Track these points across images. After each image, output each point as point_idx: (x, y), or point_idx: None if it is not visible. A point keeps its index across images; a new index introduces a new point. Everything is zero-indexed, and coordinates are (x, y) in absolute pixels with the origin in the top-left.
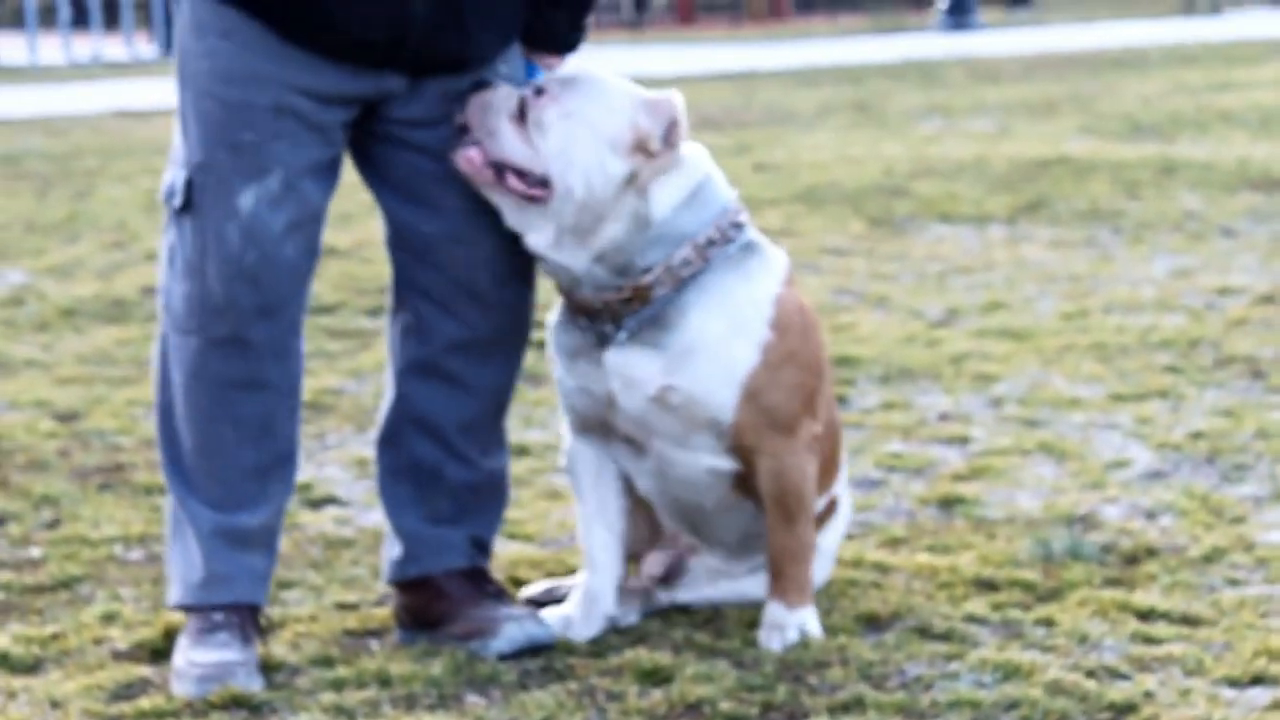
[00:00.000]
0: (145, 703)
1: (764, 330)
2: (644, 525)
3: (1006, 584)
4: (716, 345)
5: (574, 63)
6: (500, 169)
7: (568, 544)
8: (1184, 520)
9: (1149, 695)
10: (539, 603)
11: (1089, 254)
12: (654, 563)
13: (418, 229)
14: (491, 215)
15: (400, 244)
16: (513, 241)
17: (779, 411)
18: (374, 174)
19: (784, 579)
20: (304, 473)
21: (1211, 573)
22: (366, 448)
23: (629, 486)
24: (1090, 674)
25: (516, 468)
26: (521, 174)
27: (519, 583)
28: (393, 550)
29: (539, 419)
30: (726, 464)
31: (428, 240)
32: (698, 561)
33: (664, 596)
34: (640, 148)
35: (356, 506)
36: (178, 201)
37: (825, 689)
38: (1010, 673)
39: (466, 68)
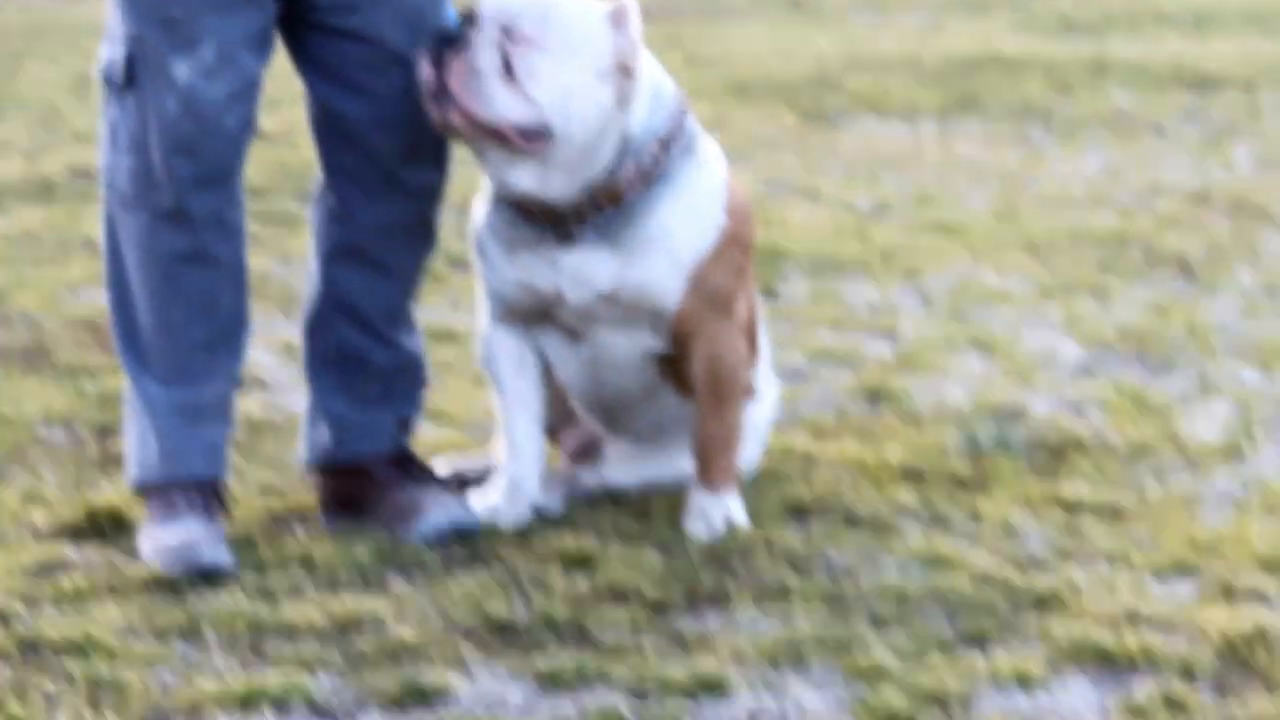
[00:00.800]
0: (66, 581)
1: (721, 216)
2: (560, 406)
3: (934, 475)
4: (677, 236)
5: None
6: (491, 127)
7: (491, 429)
8: (1111, 415)
9: (1074, 586)
10: (448, 480)
11: (1020, 151)
12: (570, 439)
13: (343, 113)
14: (415, 102)
15: (325, 127)
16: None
17: (720, 292)
18: (302, 57)
19: (710, 466)
20: None
21: (1138, 467)
22: (293, 332)
23: (547, 373)
24: (1016, 565)
25: (443, 353)
26: (520, 129)
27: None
28: (319, 435)
29: (466, 304)
30: (661, 346)
31: (353, 124)
32: (612, 447)
33: (588, 479)
34: (621, 68)
35: (282, 390)
36: (119, 78)
37: (751, 576)
38: (937, 563)
39: None
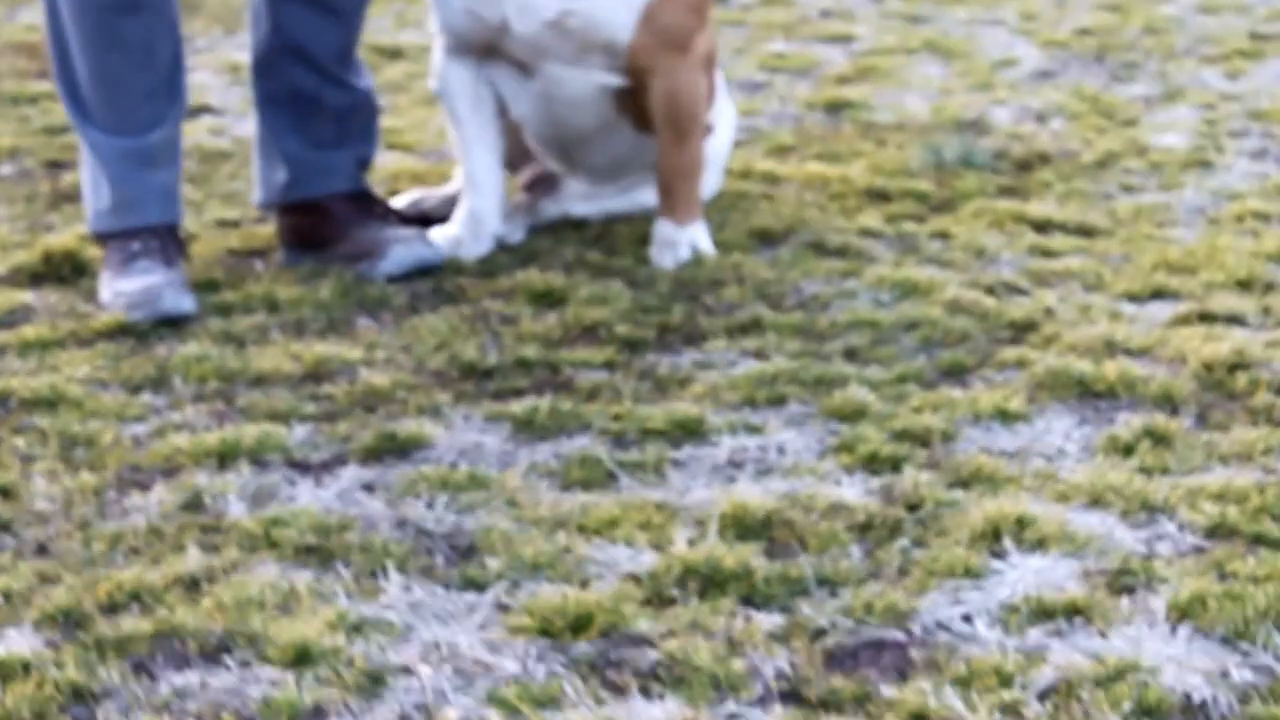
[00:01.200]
0: (29, 331)
1: None
2: (516, 142)
3: (899, 194)
4: None
5: None
6: None
7: (447, 155)
8: (1075, 123)
9: (1049, 312)
10: (408, 217)
11: None
12: (527, 174)
13: None
14: None
15: None
16: None
17: (675, 30)
18: None
19: (673, 196)
20: None
21: (1106, 179)
22: (237, 51)
23: (503, 108)
24: (989, 290)
25: (392, 72)
26: None
27: (396, 195)
28: (276, 174)
29: (412, 18)
30: (616, 81)
31: None
32: (571, 182)
33: (549, 209)
34: None
35: (231, 115)
36: None
37: (722, 309)
38: (908, 290)
39: None
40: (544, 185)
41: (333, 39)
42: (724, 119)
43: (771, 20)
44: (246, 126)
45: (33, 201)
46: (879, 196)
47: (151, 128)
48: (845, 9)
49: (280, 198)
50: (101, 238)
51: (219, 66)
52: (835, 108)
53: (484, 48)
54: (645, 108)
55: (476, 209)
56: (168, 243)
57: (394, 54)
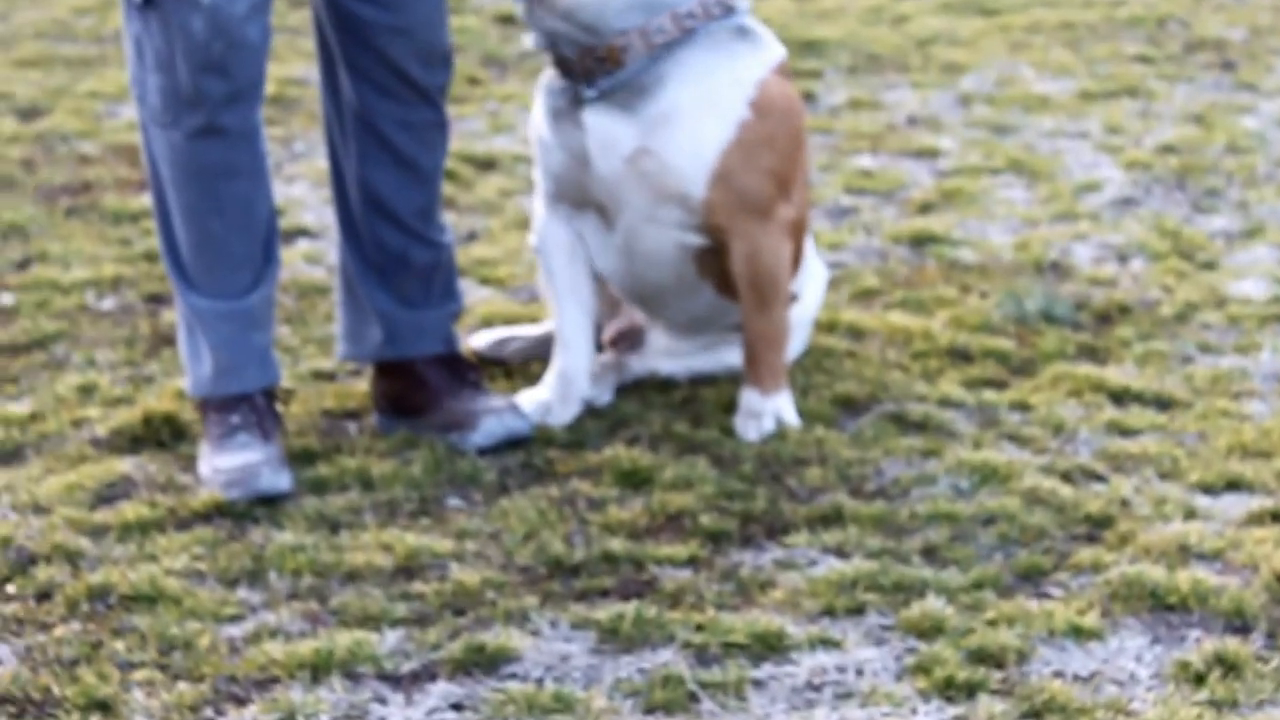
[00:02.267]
0: (129, 511)
1: (742, 109)
2: (606, 297)
3: (981, 354)
4: (690, 116)
5: None
6: None
7: (540, 294)
8: (1155, 265)
9: (1125, 505)
10: (488, 357)
11: None
12: (613, 329)
13: (357, 15)
14: (426, 4)
15: (340, 28)
16: (444, 30)
17: (751, 194)
18: None
19: (758, 365)
20: (274, 189)
21: (1184, 335)
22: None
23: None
24: (1066, 477)
25: (484, 188)
26: None
27: (487, 324)
28: (370, 332)
29: (506, 121)
30: (694, 240)
31: (367, 28)
32: (656, 335)
33: (635, 367)
34: None
35: (328, 239)
36: None
37: (804, 494)
38: (987, 476)
39: None
40: (630, 340)
41: (416, 196)
42: (813, 283)
43: (859, 128)
44: None
45: (133, 345)
46: (961, 356)
47: (250, 290)
48: (931, 115)
49: (374, 356)
50: (201, 404)
51: (316, 177)
52: (920, 242)
53: (573, 190)
54: (728, 272)
55: (566, 369)
56: (265, 414)
57: (487, 165)
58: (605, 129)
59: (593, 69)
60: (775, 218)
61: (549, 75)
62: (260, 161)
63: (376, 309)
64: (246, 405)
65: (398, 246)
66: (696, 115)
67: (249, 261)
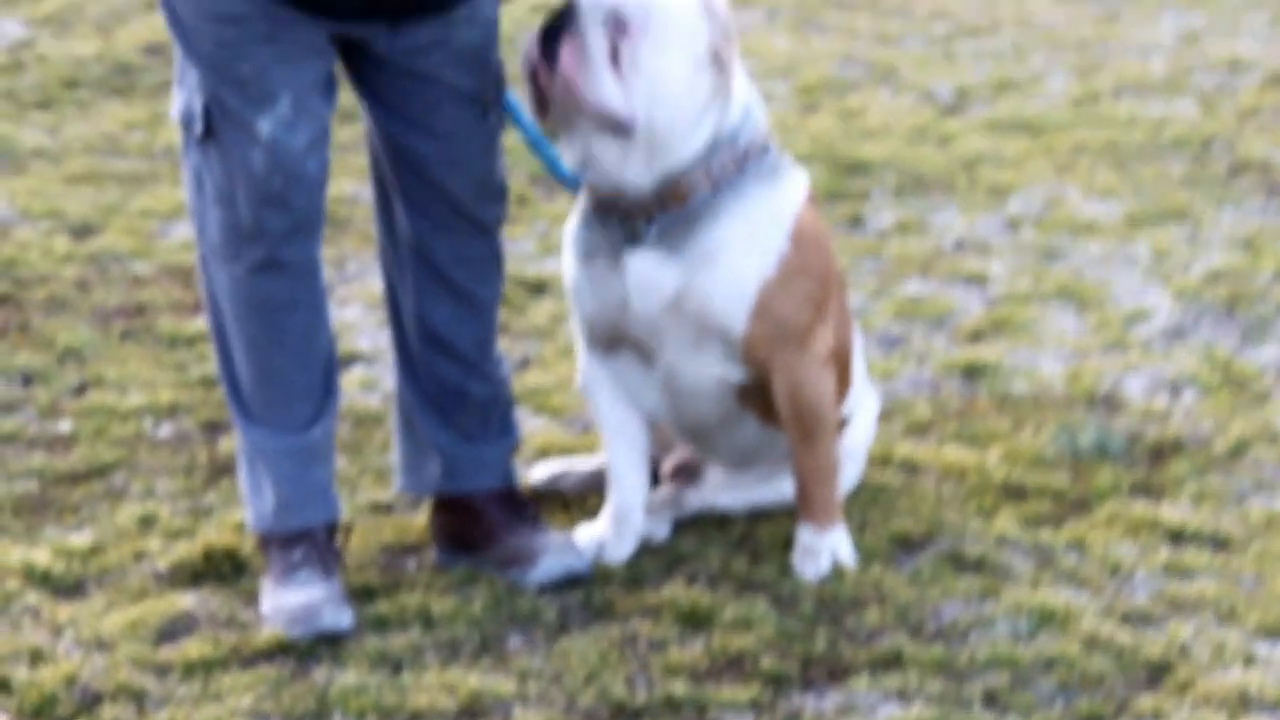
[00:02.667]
0: (192, 649)
1: (782, 242)
2: (661, 430)
3: (1035, 491)
4: (735, 253)
5: None
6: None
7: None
8: (1207, 399)
9: (1184, 651)
10: (546, 491)
11: (1095, 10)
12: (671, 462)
13: (412, 149)
14: (480, 139)
15: (395, 161)
16: (499, 164)
17: (790, 323)
18: (367, 93)
19: (811, 501)
20: None
21: (1239, 473)
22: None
23: None
24: (1125, 620)
25: (536, 313)
26: (614, 118)
27: (542, 456)
28: (429, 467)
29: (556, 241)
30: (735, 374)
31: (423, 161)
32: (712, 469)
33: (692, 501)
34: (715, 58)
35: (383, 364)
36: (198, 129)
37: (864, 636)
38: (1045, 618)
39: (447, 10)
40: (687, 474)
41: (474, 329)
42: (864, 408)
43: (907, 253)
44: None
45: (191, 474)
46: (1015, 493)
47: (311, 424)
48: (979, 239)
49: (432, 490)
50: (263, 539)
51: (369, 300)
52: (972, 372)
53: (610, 332)
54: (771, 403)
55: (621, 506)
56: (326, 550)
57: (537, 289)
58: (647, 271)
59: (652, 206)
60: (814, 348)
61: (581, 215)
62: (320, 294)
63: (434, 443)
64: (308, 542)
65: (456, 381)
66: (741, 251)
67: (310, 394)
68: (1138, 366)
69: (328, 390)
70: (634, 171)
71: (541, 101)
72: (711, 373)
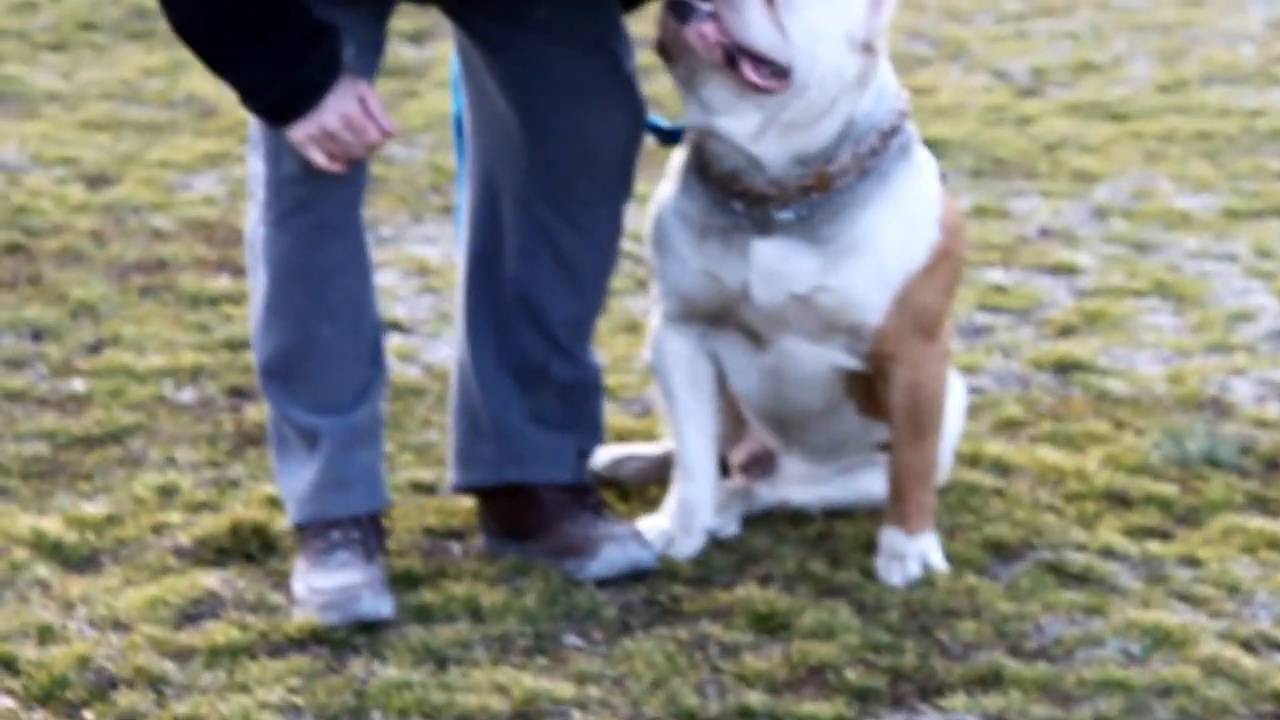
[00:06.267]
0: (218, 634)
1: (934, 230)
2: (732, 415)
3: (1141, 500)
4: (886, 242)
5: None
6: (732, 53)
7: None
8: None
9: None
10: (604, 478)
11: None
12: (742, 452)
13: (539, 96)
14: (613, 90)
15: (516, 104)
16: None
17: (927, 314)
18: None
19: (905, 502)
20: None
21: None
22: (424, 245)
23: (721, 383)
24: (1247, 645)
25: None
26: (759, 60)
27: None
28: (485, 448)
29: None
30: (852, 364)
31: (551, 110)
32: (787, 461)
33: (764, 496)
34: (867, 45)
35: (423, 335)
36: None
37: (958, 651)
38: (1160, 640)
39: None
40: (760, 466)
41: (572, 305)
42: (953, 405)
43: (988, 239)
44: (441, 350)
45: (215, 444)
46: (1119, 500)
47: (359, 402)
48: (1065, 227)
49: (487, 477)
50: (302, 528)
51: (407, 266)
52: (1063, 368)
53: (713, 315)
54: (875, 391)
55: (688, 498)
56: (369, 533)
57: None
58: (779, 261)
59: (790, 193)
60: (940, 340)
61: (688, 189)
62: (365, 256)
63: (500, 421)
64: (350, 523)
65: (539, 356)
66: (892, 240)
67: (357, 368)
68: (1244, 370)
69: (376, 362)
70: (769, 149)
71: (665, 49)
72: (828, 360)
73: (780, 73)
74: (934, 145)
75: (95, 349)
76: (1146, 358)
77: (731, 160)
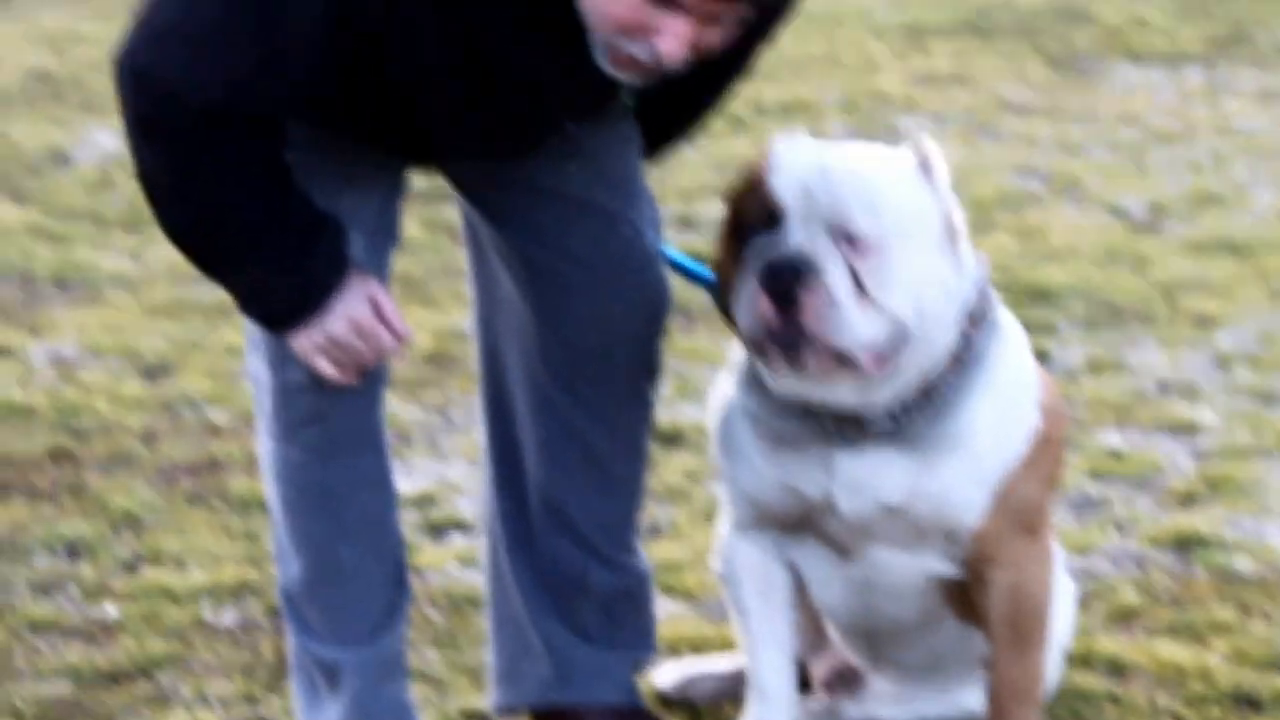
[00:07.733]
0: None
1: (1034, 415)
2: (812, 626)
3: (1271, 700)
4: (984, 435)
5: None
6: (847, 358)
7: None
8: None
9: None
10: (673, 699)
11: None
12: (824, 666)
13: (554, 269)
14: (634, 264)
15: (531, 284)
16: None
17: (1029, 508)
18: (484, 207)
19: None
20: (424, 469)
21: None
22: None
23: (798, 592)
24: None
25: (668, 470)
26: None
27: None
28: (535, 666)
29: (694, 384)
30: (949, 569)
31: (567, 284)
32: (876, 677)
33: (851, 714)
34: (948, 228)
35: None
36: None
37: None
38: None
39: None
40: (845, 682)
41: (606, 506)
42: (1060, 603)
43: (1103, 397)
44: None
45: (252, 674)
46: (1247, 703)
47: (383, 630)
48: (1186, 380)
49: (537, 699)
50: None
51: (475, 455)
52: (1184, 544)
53: (791, 524)
54: (976, 598)
55: None
56: None
57: (671, 439)
58: (868, 471)
59: (897, 410)
60: (1043, 537)
61: (757, 387)
62: (387, 467)
63: (545, 640)
64: None
65: (576, 567)
66: (990, 433)
67: (382, 591)
68: None
69: (400, 584)
70: (873, 396)
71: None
72: (922, 568)
73: (897, 345)
74: (1044, 293)
75: (133, 567)
76: (1276, 529)
77: (831, 408)
